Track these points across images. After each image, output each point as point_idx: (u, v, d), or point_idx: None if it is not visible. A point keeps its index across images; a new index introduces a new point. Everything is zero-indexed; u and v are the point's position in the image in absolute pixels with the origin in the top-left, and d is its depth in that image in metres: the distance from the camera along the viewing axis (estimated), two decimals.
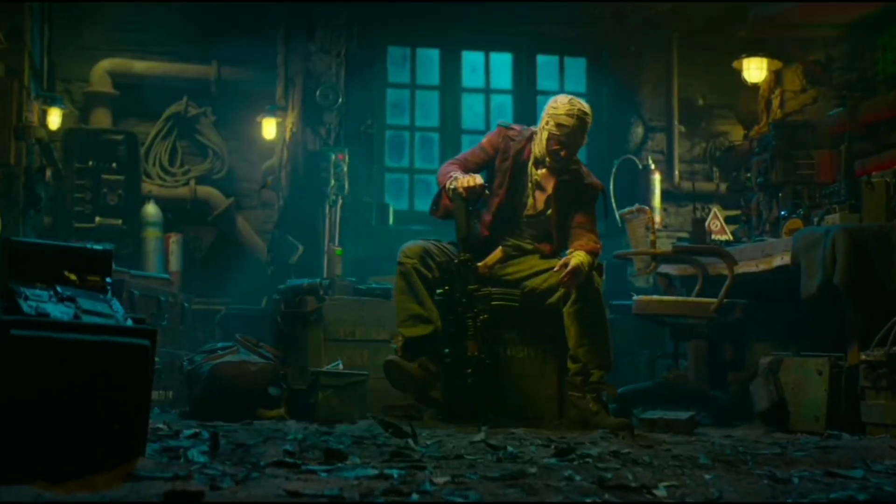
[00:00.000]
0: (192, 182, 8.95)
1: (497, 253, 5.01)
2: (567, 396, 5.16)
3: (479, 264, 4.97)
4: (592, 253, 5.00)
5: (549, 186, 5.13)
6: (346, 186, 7.86)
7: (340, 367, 5.40)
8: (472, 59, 9.32)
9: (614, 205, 7.99)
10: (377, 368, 5.42)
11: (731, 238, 7.13)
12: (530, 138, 5.16)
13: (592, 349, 4.98)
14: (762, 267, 5.71)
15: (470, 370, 4.89)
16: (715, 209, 7.83)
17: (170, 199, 8.84)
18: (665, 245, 6.65)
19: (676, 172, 9.11)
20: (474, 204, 5.09)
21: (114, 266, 6.78)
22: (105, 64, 8.80)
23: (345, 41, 8.49)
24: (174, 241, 8.73)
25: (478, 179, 4.96)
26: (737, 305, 5.76)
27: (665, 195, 8.75)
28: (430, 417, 5.03)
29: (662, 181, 8.68)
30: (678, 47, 8.99)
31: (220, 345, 5.53)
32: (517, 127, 5.25)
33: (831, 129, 6.86)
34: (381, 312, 5.39)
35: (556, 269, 4.91)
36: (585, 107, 5.05)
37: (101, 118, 8.77)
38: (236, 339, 5.44)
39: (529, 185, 5.11)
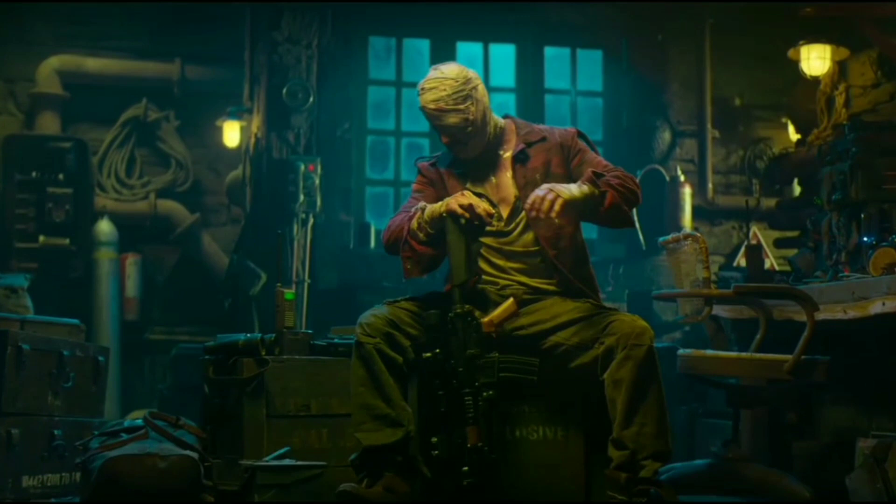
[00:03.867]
0: (152, 195, 8.58)
1: (508, 305, 3.77)
2: (605, 498, 3.84)
3: (484, 320, 3.75)
4: (592, 183, 3.76)
5: (507, 182, 3.99)
6: (319, 202, 7.35)
7: (287, 456, 4.06)
8: (468, 52, 8.74)
9: (638, 224, 7.36)
10: (340, 453, 4.20)
11: (775, 266, 6.36)
12: None
13: (645, 432, 3.69)
14: (853, 314, 4.43)
15: (466, 468, 3.62)
16: (755, 229, 7.49)
17: (126, 215, 8.48)
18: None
19: (710, 185, 8.59)
20: (476, 235, 3.89)
21: (5, 311, 5.75)
22: (53, 61, 8.38)
23: (317, 30, 7.84)
24: (131, 262, 8.37)
25: (480, 201, 3.80)
26: (818, 364, 4.48)
27: (696, 212, 8.29)
28: None
29: (693, 195, 8.21)
30: (712, 36, 8.51)
31: (126, 423, 4.23)
32: (436, 155, 4.25)
33: None
34: (345, 377, 4.14)
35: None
36: (436, 73, 3.94)
37: (49, 123, 8.35)
38: (146, 419, 4.07)
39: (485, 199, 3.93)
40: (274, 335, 4.30)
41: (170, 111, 8.61)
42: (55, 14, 8.43)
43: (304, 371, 4.33)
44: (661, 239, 5.11)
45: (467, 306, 3.73)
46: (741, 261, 8.08)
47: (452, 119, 3.87)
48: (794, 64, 7.06)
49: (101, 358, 5.33)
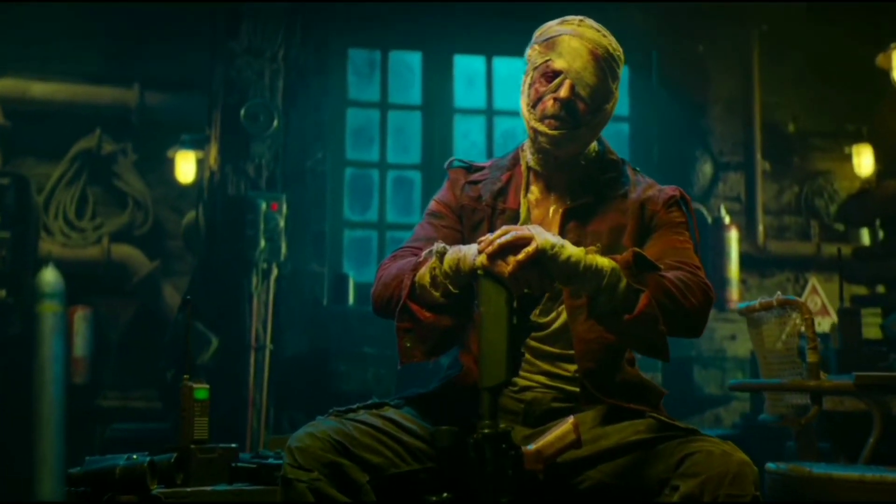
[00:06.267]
0: (106, 240, 8.15)
1: (565, 430, 2.56)
2: None
3: (528, 450, 2.54)
4: (627, 267, 2.50)
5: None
6: (283, 249, 6.77)
7: None
8: (467, 67, 8.20)
9: None
10: None
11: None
12: (516, 163, 2.94)
13: None
14: None
15: None
16: (813, 282, 7.34)
17: (75, 263, 8.03)
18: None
19: (760, 227, 7.99)
20: (530, 305, 2.76)
21: None
22: None
23: (284, 39, 7.22)
24: (80, 317, 7.86)
25: (523, 232, 2.52)
26: None
27: (744, 260, 7.69)
28: None
29: (740, 240, 7.65)
30: (761, 47, 7.91)
31: None
32: (484, 164, 3.01)
33: None
34: None
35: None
36: (594, 23, 2.92)
37: None
38: None
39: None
40: (174, 455, 3.02)
41: (127, 143, 8.18)
42: None
43: None
44: (741, 306, 3.86)
45: (503, 424, 2.50)
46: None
47: (596, 78, 2.77)
48: (867, 79, 6.70)
49: None
